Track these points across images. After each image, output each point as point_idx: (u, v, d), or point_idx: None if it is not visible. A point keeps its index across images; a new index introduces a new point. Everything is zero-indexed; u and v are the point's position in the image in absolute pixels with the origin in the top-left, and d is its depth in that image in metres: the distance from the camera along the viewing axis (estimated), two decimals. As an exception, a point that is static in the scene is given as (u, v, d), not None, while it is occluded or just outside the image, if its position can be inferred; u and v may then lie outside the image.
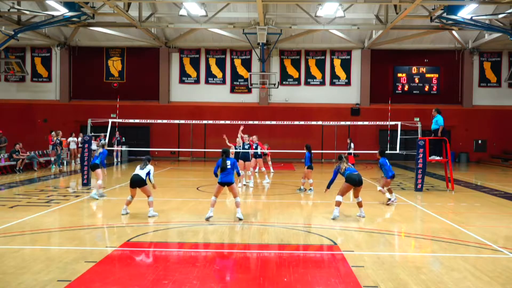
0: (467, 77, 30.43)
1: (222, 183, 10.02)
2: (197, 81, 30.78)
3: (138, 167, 10.48)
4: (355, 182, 10.16)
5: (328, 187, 10.62)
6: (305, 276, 6.27)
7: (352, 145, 21.98)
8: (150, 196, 10.37)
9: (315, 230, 9.07)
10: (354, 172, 10.26)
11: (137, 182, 10.23)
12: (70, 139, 24.35)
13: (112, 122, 17.58)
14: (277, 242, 8.19)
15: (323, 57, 30.60)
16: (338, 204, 10.28)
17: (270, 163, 21.13)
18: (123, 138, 27.23)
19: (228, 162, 10.10)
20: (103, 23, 25.84)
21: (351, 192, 15.40)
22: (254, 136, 17.29)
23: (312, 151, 14.44)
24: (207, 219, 9.89)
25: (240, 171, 15.69)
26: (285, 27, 25.52)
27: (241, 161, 15.64)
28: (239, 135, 16.02)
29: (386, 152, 12.58)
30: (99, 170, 12.91)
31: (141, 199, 12.68)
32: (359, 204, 10.51)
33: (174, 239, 8.59)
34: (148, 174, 10.36)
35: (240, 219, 9.97)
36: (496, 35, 26.13)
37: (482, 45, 28.89)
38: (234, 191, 10.15)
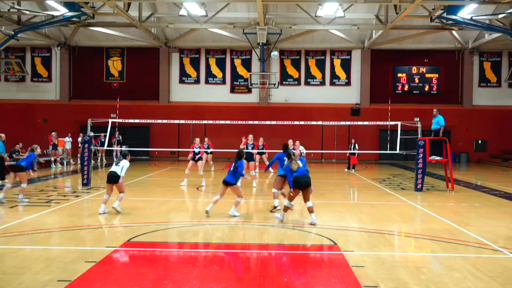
0: (467, 77, 30.44)
1: (223, 182, 10.32)
2: (197, 81, 30.80)
3: (114, 163, 10.79)
4: (301, 186, 9.35)
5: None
6: (305, 276, 6.27)
7: (356, 146, 21.91)
8: (122, 193, 10.72)
9: (315, 230, 9.07)
10: (302, 175, 9.41)
11: (112, 178, 10.55)
12: (66, 139, 24.35)
13: (112, 122, 17.57)
14: (277, 242, 8.18)
15: (323, 57, 30.61)
16: (285, 209, 9.63)
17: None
18: (120, 137, 26.88)
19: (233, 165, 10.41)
20: (103, 23, 25.84)
21: (355, 193, 15.57)
22: (297, 142, 17.17)
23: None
24: (206, 212, 10.29)
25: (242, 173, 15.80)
26: (285, 27, 25.52)
27: (244, 162, 15.64)
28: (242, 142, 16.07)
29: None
30: (23, 173, 11.94)
31: (140, 199, 12.69)
32: (310, 210, 9.47)
33: (174, 239, 8.59)
34: (122, 169, 10.65)
35: (233, 216, 10.22)
36: (496, 35, 26.14)
37: (482, 45, 28.91)
38: (235, 191, 10.32)
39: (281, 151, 10.63)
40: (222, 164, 25.42)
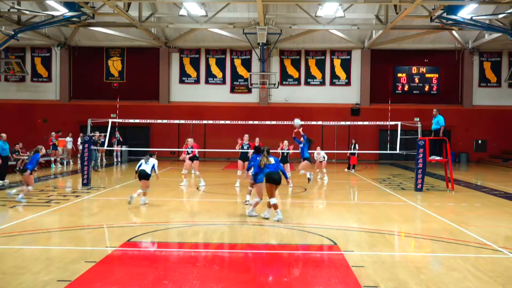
0: (467, 77, 30.44)
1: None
2: (197, 81, 30.80)
3: (143, 161, 11.91)
4: (275, 181, 9.76)
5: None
6: (305, 276, 6.26)
7: (357, 146, 21.94)
8: (147, 188, 11.78)
9: (315, 230, 9.07)
10: (275, 171, 9.84)
11: (143, 176, 11.67)
12: (67, 139, 24.36)
13: (112, 122, 17.57)
14: (277, 242, 8.19)
15: (323, 57, 30.60)
16: (275, 206, 9.80)
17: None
18: (118, 135, 26.62)
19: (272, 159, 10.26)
20: (103, 23, 25.84)
21: (355, 193, 15.56)
22: (285, 142, 16.87)
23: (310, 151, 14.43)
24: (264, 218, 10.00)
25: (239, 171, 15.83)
26: (285, 27, 25.51)
27: (240, 161, 15.65)
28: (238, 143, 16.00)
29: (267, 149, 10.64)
30: (30, 176, 12.17)
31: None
32: (269, 204, 9.90)
33: (174, 239, 8.59)
34: (153, 167, 11.79)
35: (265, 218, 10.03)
36: (496, 35, 26.13)
37: (482, 45, 28.90)
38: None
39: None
40: (222, 164, 25.42)
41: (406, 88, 30.48)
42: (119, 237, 8.36)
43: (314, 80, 30.66)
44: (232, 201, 12.61)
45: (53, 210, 10.91)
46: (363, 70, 30.37)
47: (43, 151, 13.06)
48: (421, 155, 14.86)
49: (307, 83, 30.65)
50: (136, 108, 29.14)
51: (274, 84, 26.12)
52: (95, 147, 19.42)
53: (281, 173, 10.01)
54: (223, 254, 7.49)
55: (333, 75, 30.64)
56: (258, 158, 10.45)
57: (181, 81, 30.85)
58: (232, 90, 30.71)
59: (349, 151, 22.53)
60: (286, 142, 16.17)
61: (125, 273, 6.35)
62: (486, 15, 23.17)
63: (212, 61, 30.74)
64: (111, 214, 10.56)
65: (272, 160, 9.98)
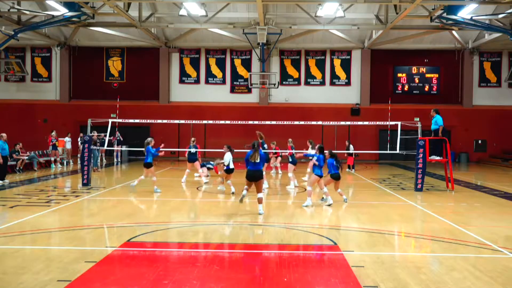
0: (467, 77, 30.43)
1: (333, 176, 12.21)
2: (197, 81, 30.80)
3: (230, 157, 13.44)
4: (252, 178, 10.50)
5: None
6: (305, 276, 6.26)
7: (351, 146, 21.95)
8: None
9: (315, 230, 9.07)
10: (254, 169, 10.51)
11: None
12: (66, 139, 24.37)
13: (112, 122, 17.56)
14: (277, 242, 8.18)
15: (323, 57, 30.60)
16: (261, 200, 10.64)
17: (278, 164, 20.65)
18: (119, 134, 26.58)
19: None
20: (103, 23, 25.84)
21: (355, 193, 15.55)
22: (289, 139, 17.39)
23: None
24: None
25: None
26: (285, 27, 25.52)
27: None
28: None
29: (332, 151, 12.57)
30: (151, 169, 14.03)
31: (141, 200, 12.70)
32: (259, 201, 10.55)
33: (174, 239, 8.59)
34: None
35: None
36: (496, 35, 26.14)
37: (482, 45, 28.90)
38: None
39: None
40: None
41: (406, 88, 30.48)
42: (119, 237, 8.36)
43: (314, 80, 30.66)
44: (232, 201, 12.60)
45: (53, 210, 10.91)
46: (363, 70, 30.37)
47: (153, 142, 14.32)
48: (421, 155, 14.86)
49: (307, 83, 30.65)
50: (136, 108, 29.14)
51: (274, 84, 26.11)
52: (95, 147, 19.42)
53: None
54: (223, 254, 7.49)
55: (333, 75, 30.63)
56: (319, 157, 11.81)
57: (181, 81, 30.85)
58: (232, 90, 30.71)
59: (346, 151, 22.52)
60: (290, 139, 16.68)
61: (125, 273, 6.35)
62: (486, 15, 23.17)
63: (212, 61, 30.74)
64: (111, 214, 10.56)
65: (258, 158, 10.60)
